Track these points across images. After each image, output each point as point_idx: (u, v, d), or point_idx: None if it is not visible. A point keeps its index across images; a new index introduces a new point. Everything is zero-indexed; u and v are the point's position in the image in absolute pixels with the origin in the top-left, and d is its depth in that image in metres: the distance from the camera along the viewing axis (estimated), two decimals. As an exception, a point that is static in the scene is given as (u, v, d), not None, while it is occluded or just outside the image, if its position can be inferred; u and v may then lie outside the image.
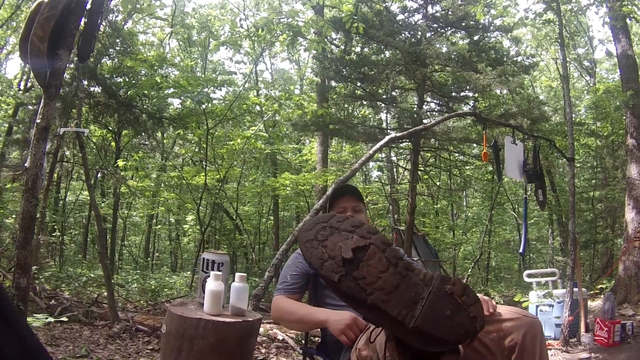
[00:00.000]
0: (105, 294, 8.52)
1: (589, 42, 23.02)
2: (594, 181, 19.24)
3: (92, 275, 11.92)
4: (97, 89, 11.99)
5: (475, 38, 13.16)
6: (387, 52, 13.20)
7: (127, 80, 12.70)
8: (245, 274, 2.87)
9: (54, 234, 14.67)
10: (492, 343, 2.34)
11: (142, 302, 10.57)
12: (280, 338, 7.05)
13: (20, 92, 14.68)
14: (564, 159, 9.60)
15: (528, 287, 9.70)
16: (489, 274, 22.09)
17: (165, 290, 12.73)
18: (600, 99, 16.57)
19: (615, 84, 16.71)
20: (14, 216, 12.36)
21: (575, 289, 7.21)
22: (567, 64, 9.77)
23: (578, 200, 16.25)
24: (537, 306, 7.76)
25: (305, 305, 3.07)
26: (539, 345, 2.27)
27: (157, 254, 25.38)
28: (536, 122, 12.30)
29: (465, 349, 2.44)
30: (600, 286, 11.97)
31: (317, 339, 5.62)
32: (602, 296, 8.53)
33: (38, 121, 4.04)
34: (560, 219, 18.86)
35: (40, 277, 9.31)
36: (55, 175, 14.35)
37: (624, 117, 12.05)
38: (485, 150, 7.66)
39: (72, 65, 9.38)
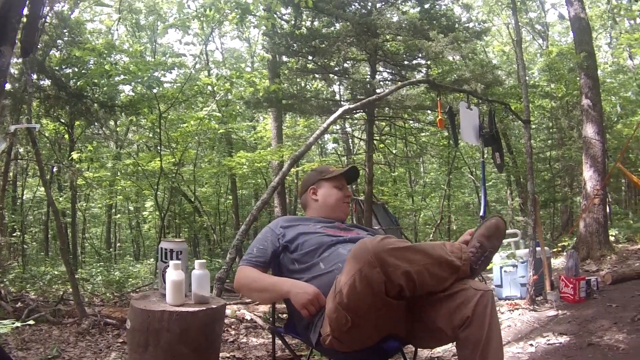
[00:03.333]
0: (71, 290, 8.42)
1: (540, 6, 23.26)
2: (550, 141, 19.49)
3: (56, 272, 11.78)
4: (47, 82, 11.78)
5: (426, 6, 13.16)
6: (337, 24, 13.15)
7: (76, 70, 12.50)
8: (204, 261, 2.83)
9: (14, 234, 14.46)
10: (442, 321, 2.36)
11: (108, 294, 10.47)
12: (249, 318, 7.05)
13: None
14: (520, 122, 9.67)
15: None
16: (451, 238, 22.28)
17: (130, 280, 12.67)
18: (553, 61, 16.74)
19: (568, 46, 16.88)
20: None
21: (538, 248, 7.30)
22: (520, 28, 9.81)
23: (535, 160, 16.46)
24: (500, 267, 7.84)
25: (269, 275, 3.07)
26: (489, 316, 2.27)
27: (119, 244, 25.16)
28: (490, 87, 12.40)
29: (415, 326, 2.52)
30: (562, 244, 12.17)
31: (285, 316, 5.62)
32: (565, 254, 8.64)
33: (-15, 121, 3.95)
34: (518, 180, 19.15)
35: (5, 279, 9.16)
36: (10, 174, 14.11)
37: (579, 78, 12.19)
38: (440, 117, 7.69)
39: (19, 60, 9.21)
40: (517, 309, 6.81)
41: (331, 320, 2.43)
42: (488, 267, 7.99)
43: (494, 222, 2.54)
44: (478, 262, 2.45)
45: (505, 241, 8.19)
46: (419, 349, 3.19)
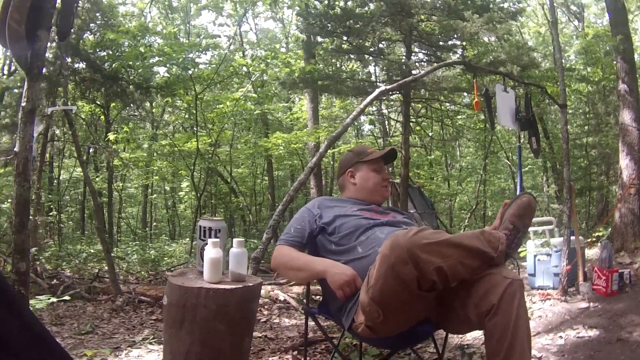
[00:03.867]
0: (106, 268, 8.53)
1: (576, -14, 22.80)
2: (586, 127, 19.08)
3: (92, 250, 11.94)
4: (82, 65, 11.91)
5: (460, -15, 13.01)
6: (371, 4, 13.04)
7: (110, 53, 12.61)
8: (243, 239, 2.85)
9: (50, 214, 14.64)
10: (470, 308, 2.35)
11: (143, 273, 10.60)
12: (282, 299, 7.08)
13: (4, 76, 14.56)
14: (556, 106, 9.52)
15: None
16: (486, 223, 22.00)
17: (165, 259, 12.79)
18: (589, 43, 16.41)
19: (604, 28, 16.53)
20: (9, 200, 12.33)
21: (572, 238, 7.19)
22: (555, 9, 9.64)
23: (571, 147, 16.15)
24: (534, 255, 7.72)
25: (306, 254, 3.07)
26: (517, 306, 2.24)
27: (154, 224, 25.40)
28: (526, 69, 12.21)
29: (445, 312, 2.52)
30: (596, 234, 11.95)
31: (318, 297, 5.63)
32: (599, 244, 8.46)
33: (23, 104, 3.99)
34: (554, 166, 18.81)
35: (41, 257, 9.29)
36: (47, 155, 14.28)
37: (615, 62, 11.90)
38: (476, 99, 7.60)
39: (54, 44, 9.29)
40: (549, 299, 6.72)
41: (364, 311, 2.44)
42: (522, 255, 7.92)
43: (525, 200, 2.53)
44: (512, 246, 2.44)
45: (540, 229, 8.08)
46: (449, 335, 3.17)
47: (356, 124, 21.36)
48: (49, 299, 5.19)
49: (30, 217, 4.86)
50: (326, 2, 14.14)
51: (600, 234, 11.38)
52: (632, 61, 11.44)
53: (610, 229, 11.11)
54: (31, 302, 4.46)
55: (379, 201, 3.33)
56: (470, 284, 2.33)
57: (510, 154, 20.55)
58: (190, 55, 12.91)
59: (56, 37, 5.72)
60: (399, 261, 2.18)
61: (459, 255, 2.24)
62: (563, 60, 11.51)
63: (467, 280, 2.33)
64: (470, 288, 2.34)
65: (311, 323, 3.39)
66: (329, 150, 9.69)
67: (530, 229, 8.09)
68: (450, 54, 13.56)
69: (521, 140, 8.33)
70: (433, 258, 2.17)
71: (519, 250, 8.02)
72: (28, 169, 4.00)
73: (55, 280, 8.45)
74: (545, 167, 19.95)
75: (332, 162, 20.27)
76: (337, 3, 13.99)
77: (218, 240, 2.76)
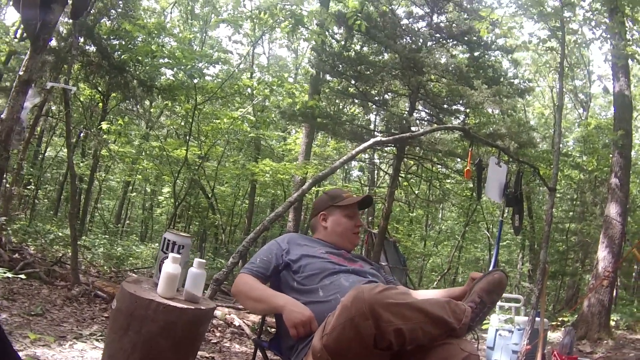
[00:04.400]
0: (70, 254, 8.45)
1: (587, 76, 23.08)
2: (571, 213, 19.31)
3: (60, 234, 11.83)
4: (92, 48, 11.89)
5: (476, 54, 13.15)
6: (386, 54, 13.16)
7: (122, 43, 12.60)
8: (204, 261, 2.82)
9: (28, 187, 14.54)
10: None
11: (105, 267, 10.50)
12: (237, 324, 7.02)
13: (15, 40, 14.53)
14: (545, 188, 9.60)
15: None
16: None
17: (131, 259, 12.71)
18: (590, 133, 16.70)
19: (607, 121, 16.84)
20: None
21: (537, 319, 7.20)
22: (563, 94, 9.77)
23: (553, 230, 16.29)
24: (496, 330, 7.71)
25: (268, 288, 3.02)
26: None
27: (128, 222, 25.27)
28: (523, 147, 12.33)
29: None
30: (562, 319, 12.03)
31: (273, 330, 5.59)
32: (563, 329, 8.53)
33: (20, 73, 3.97)
34: (532, 245, 18.95)
35: (8, 228, 9.20)
36: (38, 129, 14.21)
37: (611, 156, 12.10)
38: (468, 167, 7.62)
39: (69, 21, 9.29)
40: (503, 377, 6.72)
41: (315, 357, 2.38)
42: (484, 327, 7.91)
43: (497, 277, 2.52)
44: (476, 319, 2.41)
45: (506, 304, 8.08)
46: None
47: (346, 167, 21.47)
48: (5, 272, 5.13)
49: (7, 186, 4.82)
50: (342, 43, 14.25)
51: (566, 319, 11.46)
52: (629, 157, 11.66)
53: (576, 316, 11.18)
54: (-14, 271, 4.40)
55: (348, 247, 3.30)
56: (426, 350, 2.28)
57: (491, 226, 20.59)
58: (200, 64, 12.92)
59: (69, 13, 5.72)
60: (360, 315, 2.14)
61: (421, 320, 2.19)
62: (561, 145, 11.60)
63: (424, 345, 2.29)
64: (425, 355, 2.28)
65: (259, 355, 3.35)
66: (312, 188, 9.69)
67: (498, 303, 8.10)
68: (452, 118, 13.67)
69: (504, 215, 8.36)
70: (394, 319, 2.13)
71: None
72: (10, 138, 3.96)
73: (17, 255, 8.36)
74: (523, 244, 20.09)
75: (313, 199, 20.28)
76: (352, 46, 14.10)
77: (179, 256, 2.74)
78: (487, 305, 2.46)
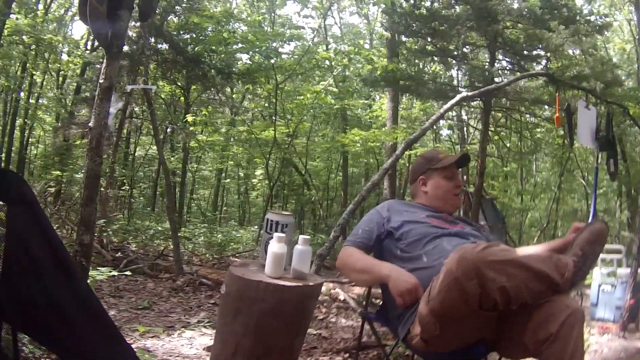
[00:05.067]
0: (172, 247, 8.64)
1: (664, 3, 22.04)
2: (668, 152, 18.54)
3: (160, 228, 12.16)
4: (165, 46, 12.10)
5: (548, -6, 12.74)
6: (457, 7, 12.86)
7: (194, 36, 12.79)
8: (308, 237, 2.82)
9: (123, 188, 14.97)
10: (527, 334, 2.27)
11: (207, 255, 10.72)
12: (342, 298, 7.03)
13: (87, 51, 14.92)
14: (637, 127, 9.22)
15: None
16: (555, 243, 21.58)
17: (232, 244, 12.91)
18: (675, 63, 15.94)
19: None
20: (83, 171, 12.65)
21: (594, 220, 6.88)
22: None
23: (650, 172, 15.67)
24: (599, 285, 7.42)
25: (371, 257, 3.02)
26: (575, 337, 2.16)
27: (225, 208, 25.66)
28: (609, 86, 11.87)
29: (501, 335, 2.45)
30: (666, 269, 11.57)
31: (378, 302, 5.57)
32: (670, 280, 8.18)
33: (101, 81, 4.05)
34: (629, 191, 18.21)
35: (108, 230, 9.49)
36: (124, 131, 14.58)
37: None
38: (557, 114, 7.41)
39: (138, 24, 9.45)
40: (608, 333, 6.48)
41: (422, 323, 2.40)
42: (587, 282, 7.63)
43: (598, 227, 2.45)
44: (579, 273, 2.33)
45: (608, 257, 7.80)
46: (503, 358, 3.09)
47: (435, 127, 21.15)
48: (110, 271, 5.28)
49: (102, 189, 4.96)
50: (412, 1, 14.02)
51: (672, 267, 10.96)
52: None
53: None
54: (92, 272, 4.54)
55: (450, 210, 3.25)
56: (531, 309, 2.25)
57: (586, 174, 19.97)
58: (274, 44, 12.98)
59: (138, 17, 5.79)
60: (464, 276, 2.13)
61: (525, 276, 2.17)
62: (648, 80, 11.15)
63: (528, 304, 2.25)
64: (530, 313, 2.26)
65: (367, 327, 3.34)
66: (405, 153, 9.59)
67: (600, 255, 7.82)
68: (534, 64, 13.28)
69: (599, 161, 8.07)
70: (498, 276, 2.11)
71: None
72: (101, 144, 4.05)
73: (119, 254, 8.64)
74: (620, 191, 19.30)
75: (407, 165, 20.08)
76: (422, 3, 13.84)
77: (284, 235, 2.74)
78: (589, 258, 2.37)
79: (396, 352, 4.40)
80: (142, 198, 19.86)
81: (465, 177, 16.91)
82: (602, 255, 7.81)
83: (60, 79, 18.20)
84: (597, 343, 5.99)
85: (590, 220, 7.98)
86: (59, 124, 15.13)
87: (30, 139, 19.63)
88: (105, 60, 4.05)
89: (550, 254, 2.31)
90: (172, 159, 17.78)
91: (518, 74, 11.33)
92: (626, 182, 17.25)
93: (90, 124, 4.05)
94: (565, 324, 2.16)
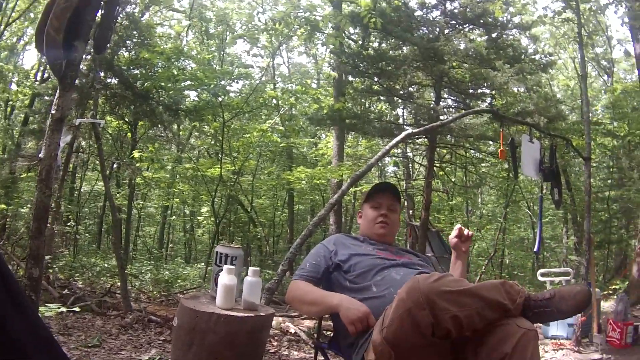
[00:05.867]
0: (119, 284, 8.56)
1: (607, 42, 22.71)
2: (609, 181, 19.05)
3: (106, 265, 11.99)
4: (114, 81, 12.03)
5: (494, 35, 13.09)
6: (404, 47, 13.14)
7: (143, 72, 12.74)
8: (258, 269, 2.87)
9: (68, 224, 14.73)
10: (481, 356, 2.31)
11: (155, 292, 10.62)
12: (293, 331, 7.05)
13: (37, 82, 14.77)
14: (580, 158, 9.54)
15: (541, 286, 9.63)
16: (503, 271, 21.85)
17: (179, 281, 12.79)
18: (617, 98, 16.49)
19: (633, 84, 16.66)
20: (29, 206, 12.44)
21: (583, 284, 7.16)
22: (585, 63, 9.67)
23: (593, 200, 16.06)
24: (550, 306, 7.64)
25: (321, 289, 3.06)
26: (529, 357, 2.20)
27: (171, 245, 25.45)
28: (553, 121, 12.23)
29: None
30: (613, 287, 11.90)
31: (329, 333, 5.62)
32: (615, 297, 8.45)
33: (53, 112, 4.04)
34: (575, 218, 18.71)
35: (54, 266, 9.35)
36: (71, 165, 14.41)
37: (642, 118, 11.94)
38: (502, 148, 7.61)
39: (89, 57, 9.43)
40: (562, 349, 6.68)
41: (375, 350, 2.43)
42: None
43: (579, 290, 2.40)
44: (533, 310, 2.38)
45: (556, 279, 8.03)
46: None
47: (380, 164, 21.37)
48: (59, 308, 5.22)
49: (48, 225, 4.91)
50: (360, 42, 14.26)
51: (617, 286, 11.32)
52: (659, 118, 11.43)
53: (627, 282, 11.04)
54: (40, 309, 4.49)
55: (375, 238, 3.33)
56: (484, 332, 2.30)
57: (531, 204, 20.35)
58: (222, 82, 13.06)
59: (92, 49, 5.81)
60: (416, 305, 2.18)
61: (477, 305, 2.23)
62: (590, 114, 11.50)
63: (482, 329, 2.31)
64: (484, 336, 2.30)
65: (320, 358, 3.39)
66: (350, 189, 9.71)
67: (547, 279, 8.07)
68: (479, 102, 13.61)
69: (543, 191, 8.32)
70: (451, 306, 2.17)
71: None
72: (51, 176, 4.04)
73: (66, 290, 8.47)
74: (565, 218, 19.85)
75: (353, 201, 20.31)
76: (370, 44, 14.11)
77: (234, 267, 2.79)
78: (551, 307, 2.38)
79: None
80: (87, 234, 19.59)
81: (411, 211, 17.12)
82: (550, 278, 8.03)
83: (9, 109, 17.94)
84: (553, 358, 6.14)
85: (536, 246, 8.23)
86: (5, 155, 14.89)
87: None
88: (58, 91, 4.05)
89: (502, 282, 2.36)
90: (118, 195, 17.62)
91: (463, 111, 11.59)
92: (572, 210, 17.73)
93: (40, 155, 4.04)
94: (519, 344, 2.21)
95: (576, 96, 20.53)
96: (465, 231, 3.27)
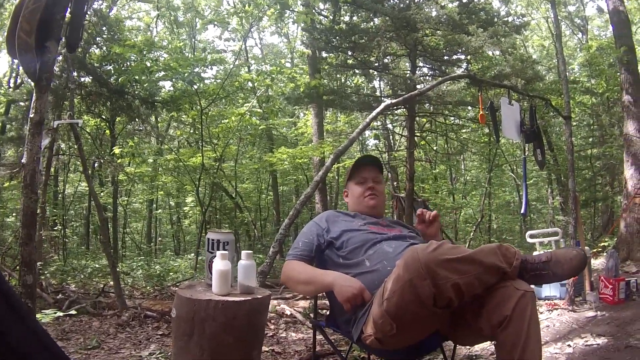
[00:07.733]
0: (112, 283, 8.53)
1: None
2: (591, 139, 19.13)
3: (97, 265, 11.95)
4: (88, 79, 11.94)
5: (465, 0, 13.06)
6: (376, 19, 13.09)
7: (116, 67, 12.65)
8: (251, 252, 2.85)
9: (55, 228, 14.67)
10: (481, 319, 2.34)
11: (148, 288, 10.58)
12: (288, 313, 7.06)
13: (11, 89, 14.62)
14: (561, 118, 9.54)
15: (531, 247, 9.65)
16: (491, 236, 22.05)
17: (171, 274, 12.75)
18: (593, 56, 16.51)
19: (608, 40, 16.69)
20: (14, 214, 12.36)
21: (578, 248, 7.17)
22: (559, 22, 9.67)
23: (576, 158, 16.11)
24: (541, 266, 7.68)
25: (314, 268, 3.09)
26: (528, 317, 2.23)
27: (159, 239, 25.35)
28: (530, 82, 12.25)
29: (455, 324, 2.53)
30: (602, 244, 11.96)
31: (325, 311, 5.62)
32: (605, 254, 8.49)
33: (31, 116, 3.99)
34: (559, 178, 18.80)
35: (46, 272, 9.31)
36: (52, 169, 14.31)
37: (619, 74, 11.94)
38: (481, 113, 7.60)
39: (60, 58, 9.33)
40: (556, 309, 6.73)
41: (376, 324, 2.45)
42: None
43: (575, 254, 2.41)
44: (530, 273, 2.41)
45: (546, 239, 8.05)
46: (458, 346, 3.18)
47: (361, 138, 21.43)
48: (55, 313, 5.19)
49: (37, 231, 4.86)
50: (331, 17, 14.18)
51: (606, 243, 11.38)
52: (636, 72, 11.48)
53: (615, 239, 11.12)
54: (37, 316, 4.45)
55: (366, 212, 3.35)
56: (483, 296, 2.33)
57: (514, 167, 20.46)
58: (196, 69, 12.95)
59: (65, 49, 5.73)
60: (417, 276, 2.19)
61: (476, 271, 2.23)
62: (567, 73, 11.50)
63: (480, 293, 2.33)
64: (483, 300, 2.33)
65: (319, 337, 3.38)
66: (334, 165, 9.70)
67: (537, 240, 8.10)
68: (455, 68, 13.60)
69: (526, 153, 8.33)
70: (451, 274, 2.18)
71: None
72: (35, 180, 4.00)
73: (60, 295, 8.44)
74: (550, 179, 19.95)
75: (337, 177, 20.32)
76: (342, 18, 14.03)
77: (227, 252, 2.76)
78: (547, 270, 2.41)
79: (352, 357, 4.46)
80: (75, 237, 19.49)
81: (395, 182, 17.15)
82: (539, 239, 8.07)
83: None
84: (548, 319, 6.20)
85: (522, 208, 8.25)
86: (-15, 165, 14.77)
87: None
88: (34, 94, 4.00)
89: (497, 245, 2.37)
90: (101, 194, 17.52)
91: (440, 78, 11.58)
92: (555, 170, 17.81)
93: (22, 161, 4.00)
94: (518, 306, 2.23)
95: (552, 56, 20.54)
96: (427, 214, 3.28)
